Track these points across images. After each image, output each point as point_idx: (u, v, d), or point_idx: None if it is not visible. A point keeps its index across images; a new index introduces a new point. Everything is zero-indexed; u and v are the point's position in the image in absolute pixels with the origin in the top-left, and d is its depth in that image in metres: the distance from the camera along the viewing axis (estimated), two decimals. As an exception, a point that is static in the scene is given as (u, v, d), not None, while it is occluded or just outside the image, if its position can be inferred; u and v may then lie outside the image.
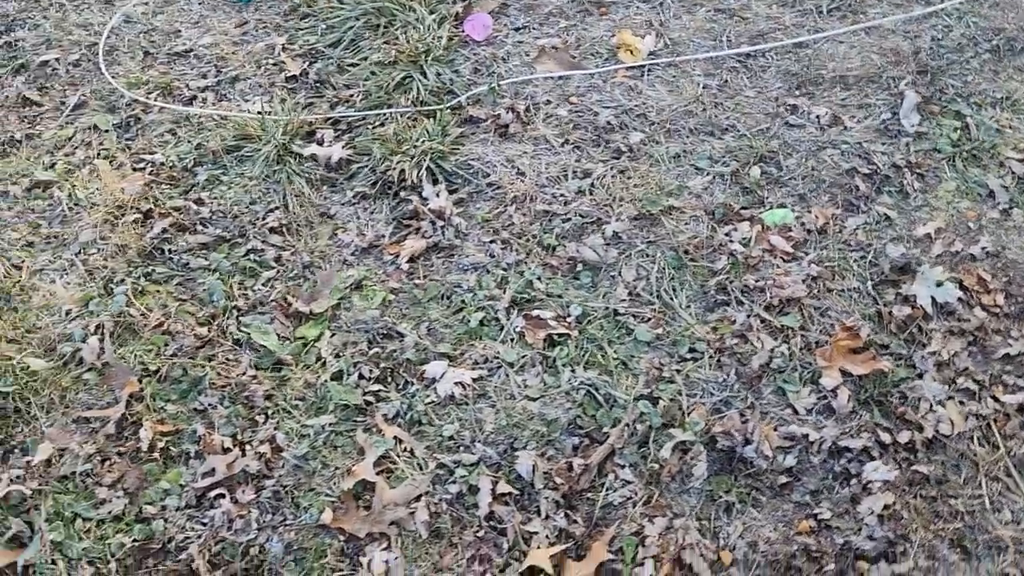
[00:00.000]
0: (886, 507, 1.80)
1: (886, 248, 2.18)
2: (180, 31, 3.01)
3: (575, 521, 1.85)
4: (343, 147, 2.55)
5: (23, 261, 2.39)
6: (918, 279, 2.09)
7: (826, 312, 2.09)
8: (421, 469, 1.94)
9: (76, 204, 2.51)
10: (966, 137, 2.39)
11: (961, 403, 1.92)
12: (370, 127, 2.60)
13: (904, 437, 1.88)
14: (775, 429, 1.93)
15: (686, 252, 2.24)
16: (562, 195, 2.40)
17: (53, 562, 1.84)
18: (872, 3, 2.80)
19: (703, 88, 2.61)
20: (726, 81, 2.63)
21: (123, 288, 2.28)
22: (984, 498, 1.80)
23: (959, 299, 2.06)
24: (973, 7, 2.75)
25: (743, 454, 1.87)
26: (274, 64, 2.86)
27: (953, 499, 1.81)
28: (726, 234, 2.26)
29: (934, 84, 2.53)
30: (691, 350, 2.06)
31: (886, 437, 1.89)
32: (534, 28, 2.87)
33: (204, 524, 1.89)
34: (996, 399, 1.93)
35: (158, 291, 2.30)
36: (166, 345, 2.18)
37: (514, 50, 2.80)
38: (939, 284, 2.07)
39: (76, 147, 2.68)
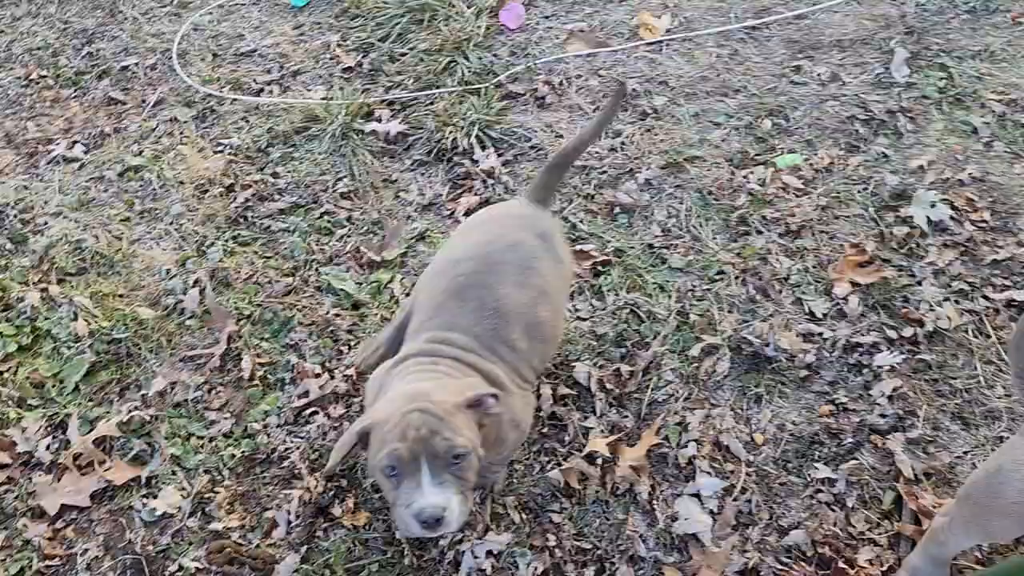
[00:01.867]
0: (895, 389, 2.08)
1: (885, 179, 2.47)
2: (243, 35, 3.37)
3: (626, 416, 2.13)
4: (399, 123, 2.88)
5: (122, 233, 2.72)
6: (914, 202, 2.39)
7: (835, 235, 2.39)
8: (489, 381, 2.23)
9: (165, 183, 2.85)
10: (950, 85, 2.70)
11: (956, 302, 2.20)
12: (422, 105, 2.94)
13: (908, 332, 2.17)
14: (797, 335, 2.21)
15: (710, 193, 2.54)
16: (597, 152, 2.71)
17: (173, 472, 2.14)
18: (863, -24, 3.13)
19: (716, 57, 2.94)
20: (736, 51, 2.95)
21: (215, 248, 2.60)
22: (979, 378, 2.08)
23: (951, 217, 2.35)
24: (953, -25, 3.07)
25: (766, 354, 2.16)
26: (331, 58, 3.21)
27: (953, 380, 2.08)
28: (744, 176, 2.56)
29: (920, 42, 2.84)
30: (719, 272, 2.36)
31: (892, 333, 2.17)
32: (562, 15, 3.21)
33: (302, 437, 2.18)
34: (987, 297, 2.21)
35: (245, 251, 2.62)
36: (256, 293, 2.49)
37: (545, 35, 3.14)
38: (933, 205, 2.36)
39: (160, 136, 3.03)
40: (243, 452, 2.16)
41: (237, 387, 2.30)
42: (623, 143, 2.72)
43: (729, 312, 2.27)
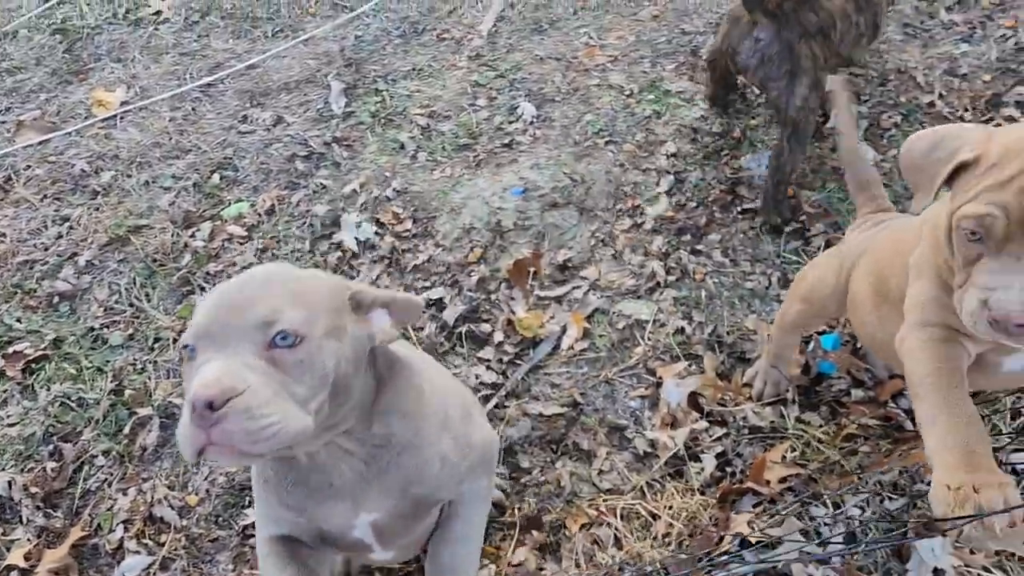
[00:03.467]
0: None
1: (318, 210, 2.56)
2: None
3: (56, 517, 2.00)
4: None
5: None
6: (342, 227, 2.48)
7: (273, 275, 2.42)
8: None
9: None
10: (383, 107, 2.86)
11: (379, 313, 2.30)
12: None
13: (337, 353, 2.22)
14: (233, 381, 2.20)
15: (155, 260, 2.49)
16: (43, 243, 2.58)
17: None
18: (308, 19, 3.27)
19: (170, 121, 2.91)
20: (191, 111, 2.94)
21: None
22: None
23: (376, 233, 2.47)
24: (385, 4, 3.29)
25: (197, 409, 2.12)
26: None
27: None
28: (190, 235, 2.54)
29: (359, 72, 3.00)
30: (156, 339, 2.31)
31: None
32: (16, 107, 3.05)
33: None
34: (407, 301, 2.32)
35: None
36: None
37: (-4, 130, 2.96)
38: (358, 226, 2.47)
39: None
40: None
41: None
42: (70, 227, 2.61)
43: (167, 378, 2.23)
